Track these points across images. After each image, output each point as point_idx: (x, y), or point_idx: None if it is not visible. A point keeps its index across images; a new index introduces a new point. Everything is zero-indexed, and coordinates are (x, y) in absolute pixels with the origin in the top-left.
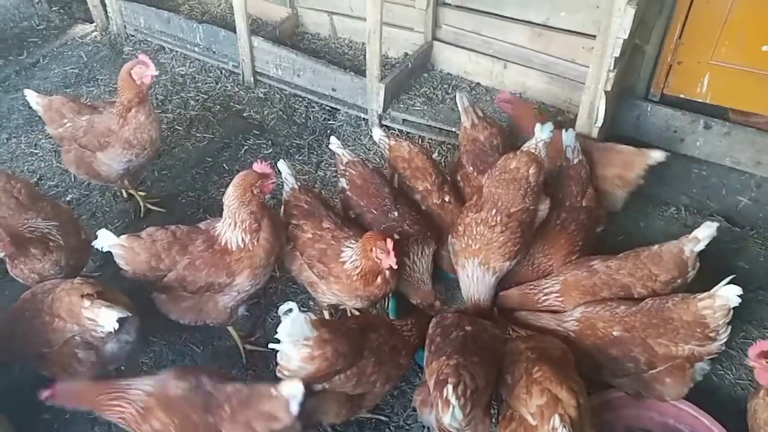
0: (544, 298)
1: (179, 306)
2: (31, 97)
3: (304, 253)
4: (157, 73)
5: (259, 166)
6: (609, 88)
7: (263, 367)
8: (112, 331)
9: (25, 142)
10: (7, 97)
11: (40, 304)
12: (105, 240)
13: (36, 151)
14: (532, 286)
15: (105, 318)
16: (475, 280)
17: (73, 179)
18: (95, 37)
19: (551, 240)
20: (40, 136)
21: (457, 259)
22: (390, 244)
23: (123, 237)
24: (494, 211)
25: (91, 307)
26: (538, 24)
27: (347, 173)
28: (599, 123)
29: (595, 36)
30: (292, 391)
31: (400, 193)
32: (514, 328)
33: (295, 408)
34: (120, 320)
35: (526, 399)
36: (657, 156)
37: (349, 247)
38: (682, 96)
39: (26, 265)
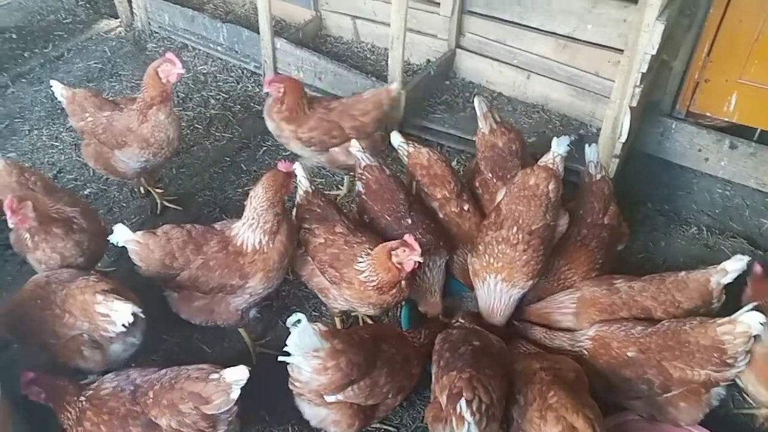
0: (561, 312)
1: (191, 306)
2: (57, 87)
3: (315, 258)
4: (183, 71)
5: (284, 165)
6: (634, 104)
7: (274, 370)
8: (125, 327)
9: (46, 135)
10: (31, 89)
11: (53, 296)
12: (121, 235)
13: (56, 143)
14: (544, 302)
15: (119, 312)
16: (496, 297)
17: (91, 173)
18: (119, 32)
19: (571, 256)
20: (61, 129)
21: (477, 277)
22: (410, 239)
23: (139, 233)
24: (515, 229)
25: (105, 302)
26: (563, 36)
27: (364, 177)
28: (623, 138)
29: (621, 50)
30: (238, 377)
31: (416, 201)
32: (524, 344)
33: (236, 391)
34: (131, 318)
35: (540, 425)
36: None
37: (364, 257)
38: (708, 114)
39: (48, 244)
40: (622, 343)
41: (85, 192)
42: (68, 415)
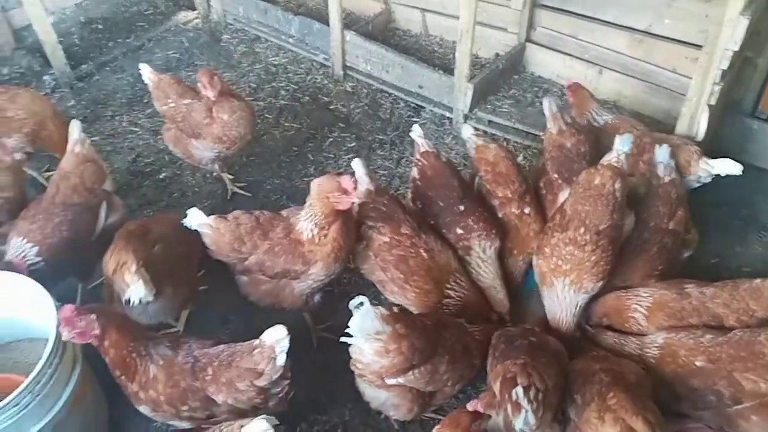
0: (634, 309)
1: (258, 289)
2: (145, 71)
3: (378, 255)
4: (215, 91)
5: (345, 181)
6: (713, 102)
7: (333, 355)
8: (130, 302)
9: (126, 120)
10: (114, 76)
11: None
12: (194, 218)
13: (136, 129)
14: (622, 293)
15: (132, 290)
16: (564, 300)
17: (167, 159)
18: (196, 24)
19: (628, 260)
20: (141, 116)
21: (544, 280)
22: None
23: (211, 217)
24: (582, 230)
25: (132, 273)
26: (639, 30)
27: (420, 163)
28: (699, 138)
29: (700, 46)
30: (276, 336)
31: (470, 188)
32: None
33: (281, 356)
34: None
35: (597, 425)
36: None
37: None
38: None
39: None
40: (691, 351)
41: (161, 176)
42: (134, 364)
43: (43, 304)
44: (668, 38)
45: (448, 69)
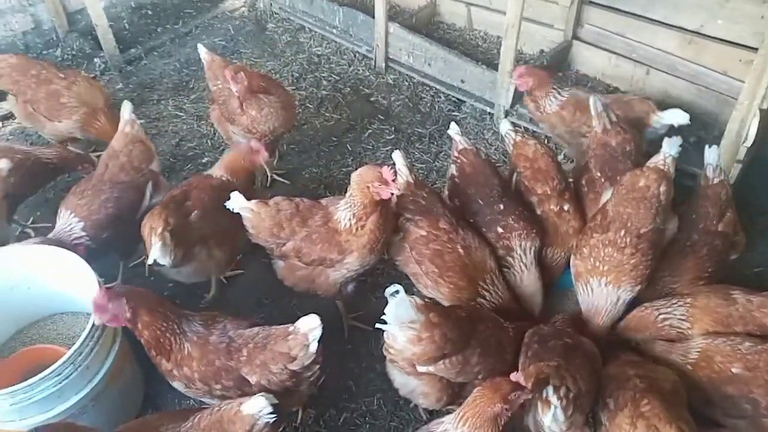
0: (662, 317)
1: (294, 275)
2: (202, 51)
3: (414, 248)
4: (237, 86)
5: (385, 172)
6: (765, 106)
7: (364, 344)
8: (147, 259)
9: (171, 105)
10: (161, 61)
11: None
12: (237, 202)
13: (180, 114)
14: (644, 307)
15: (152, 251)
16: (600, 300)
17: (209, 144)
18: (243, 12)
19: (678, 262)
20: (185, 101)
21: (580, 279)
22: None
23: (253, 202)
24: (623, 232)
25: (156, 237)
26: (690, 30)
27: (459, 160)
28: (748, 143)
29: (756, 49)
30: (310, 325)
31: (509, 187)
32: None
33: (314, 344)
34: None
35: (628, 431)
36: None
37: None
38: None
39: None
40: (727, 357)
41: (203, 161)
42: (168, 343)
43: (86, 279)
44: (720, 39)
45: (491, 64)
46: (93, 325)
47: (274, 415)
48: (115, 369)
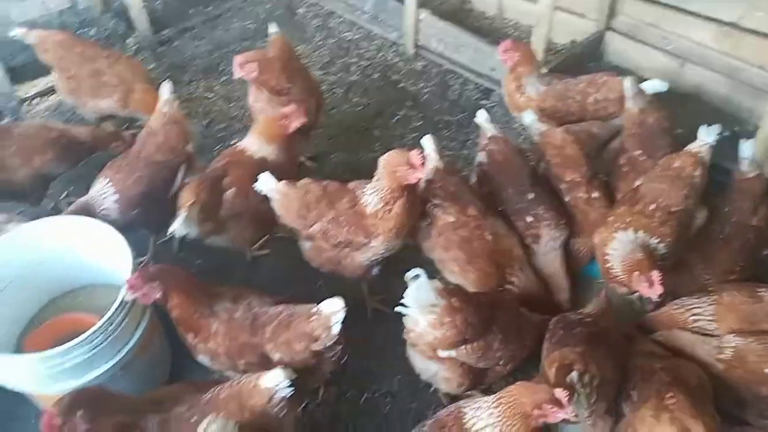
0: (693, 318)
1: (321, 256)
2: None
3: (442, 234)
4: (242, 73)
5: (414, 156)
6: None
7: (386, 326)
8: (172, 232)
9: (202, 87)
10: (193, 43)
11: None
12: (265, 183)
13: (211, 95)
14: (676, 306)
15: (176, 223)
16: (622, 251)
17: (239, 126)
18: None
19: (709, 254)
20: (215, 83)
21: (602, 242)
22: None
23: (282, 183)
24: (653, 207)
25: (185, 208)
26: (727, 23)
27: (488, 148)
28: None
29: None
30: (333, 307)
31: (539, 177)
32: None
33: (336, 326)
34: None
35: (652, 424)
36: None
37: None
38: None
39: None
40: (760, 357)
41: (232, 142)
42: (197, 325)
43: (120, 252)
44: (759, 32)
45: None
46: (123, 298)
47: (292, 389)
48: (144, 341)
